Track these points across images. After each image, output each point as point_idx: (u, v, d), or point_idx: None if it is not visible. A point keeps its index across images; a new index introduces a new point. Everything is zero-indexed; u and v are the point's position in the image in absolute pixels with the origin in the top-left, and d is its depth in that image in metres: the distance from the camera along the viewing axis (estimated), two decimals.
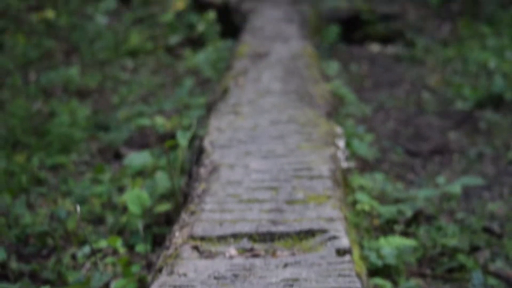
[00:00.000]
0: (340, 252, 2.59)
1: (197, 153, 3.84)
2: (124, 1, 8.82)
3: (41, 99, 6.29)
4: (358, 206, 3.77)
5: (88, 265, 3.45)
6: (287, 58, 5.63)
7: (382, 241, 3.48)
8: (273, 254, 2.62)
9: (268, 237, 2.73)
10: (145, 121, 5.45)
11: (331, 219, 2.84)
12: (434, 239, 3.73)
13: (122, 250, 3.45)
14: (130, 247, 3.65)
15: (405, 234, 3.84)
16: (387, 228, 3.86)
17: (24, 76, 6.85)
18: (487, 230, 4.00)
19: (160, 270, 2.56)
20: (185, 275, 2.47)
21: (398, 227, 3.85)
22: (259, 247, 2.68)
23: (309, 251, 2.62)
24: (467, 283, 3.41)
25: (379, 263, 3.34)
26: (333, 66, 6.63)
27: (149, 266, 3.43)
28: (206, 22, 7.55)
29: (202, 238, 2.73)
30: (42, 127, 5.54)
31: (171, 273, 2.49)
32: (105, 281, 3.00)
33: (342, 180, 3.59)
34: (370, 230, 3.73)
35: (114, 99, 6.29)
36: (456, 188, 4.20)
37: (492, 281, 3.44)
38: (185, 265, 2.54)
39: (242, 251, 2.65)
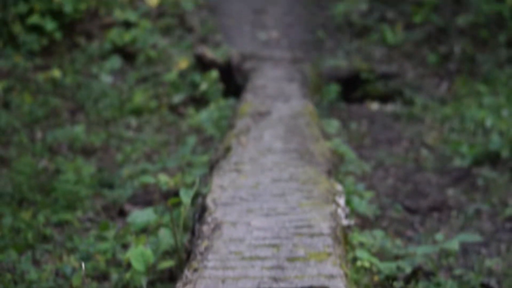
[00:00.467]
0: None
1: (200, 210, 3.89)
2: (129, 60, 8.93)
3: (47, 156, 6.37)
4: (358, 263, 3.81)
5: None
6: (288, 116, 5.70)
7: None
8: None
9: None
10: (148, 179, 5.49)
11: (331, 276, 2.88)
12: None
13: None
14: None
15: None
16: (386, 284, 3.90)
17: (30, 134, 6.93)
18: (485, 286, 4.03)
19: None
20: None
21: (398, 284, 3.88)
22: None
23: None
24: None
25: None
26: (333, 124, 6.70)
27: None
28: (209, 81, 7.62)
29: None
30: (48, 184, 5.61)
31: None
32: None
33: (343, 238, 3.63)
34: (370, 286, 3.76)
35: (118, 157, 6.36)
36: (454, 244, 4.24)
37: None
38: None
39: None
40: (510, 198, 5.48)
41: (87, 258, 4.23)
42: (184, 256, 3.70)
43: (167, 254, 3.98)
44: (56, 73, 8.19)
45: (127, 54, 8.95)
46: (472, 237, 4.46)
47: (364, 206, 4.69)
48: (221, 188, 4.03)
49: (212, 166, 4.88)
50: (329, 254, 3.10)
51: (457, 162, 6.22)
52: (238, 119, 5.71)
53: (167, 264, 3.79)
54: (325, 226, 3.41)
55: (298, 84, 6.94)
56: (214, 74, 7.68)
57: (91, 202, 5.31)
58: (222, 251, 3.17)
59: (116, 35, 8.98)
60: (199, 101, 7.72)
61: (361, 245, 4.11)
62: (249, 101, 6.20)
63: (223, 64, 7.81)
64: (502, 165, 6.04)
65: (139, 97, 7.64)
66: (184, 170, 5.88)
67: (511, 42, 9.36)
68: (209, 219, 3.59)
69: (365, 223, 4.89)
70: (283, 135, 5.16)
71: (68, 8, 8.89)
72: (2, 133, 6.85)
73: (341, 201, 4.05)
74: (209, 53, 7.91)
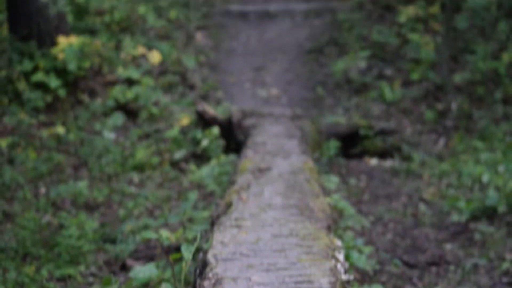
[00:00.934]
0: None
1: (201, 266, 3.94)
2: (131, 117, 9.02)
3: (51, 212, 6.42)
4: None
5: None
6: (288, 172, 5.76)
7: None
8: None
9: None
10: (150, 234, 5.54)
11: None
12: None
13: None
14: None
15: None
16: None
17: (34, 190, 6.99)
18: None
19: None
20: None
21: None
22: None
23: None
24: None
25: None
26: (333, 180, 6.75)
27: None
28: (210, 138, 7.69)
29: None
30: (51, 239, 5.66)
31: None
32: None
33: None
34: None
35: (120, 212, 6.41)
36: None
37: None
38: None
39: None
40: (507, 253, 5.52)
41: None
42: None
43: None
44: (60, 129, 8.27)
45: (130, 111, 9.05)
46: None
47: (363, 261, 4.73)
48: (222, 244, 4.08)
49: (213, 222, 4.93)
50: None
51: (455, 217, 6.27)
52: (239, 175, 5.76)
53: None
54: (324, 282, 3.46)
55: (298, 141, 7.00)
56: (215, 130, 7.75)
57: (93, 257, 5.35)
58: None
59: (119, 93, 9.09)
60: (201, 157, 7.78)
61: None
62: (250, 158, 6.26)
63: (224, 120, 7.88)
64: (498, 220, 6.09)
65: (141, 153, 7.71)
66: (185, 225, 5.93)
67: (507, 99, 9.46)
68: (210, 274, 3.63)
69: (364, 278, 4.93)
70: (283, 191, 5.21)
71: (72, 66, 9.01)
72: (7, 189, 6.92)
73: (341, 256, 4.10)
74: (210, 110, 7.99)
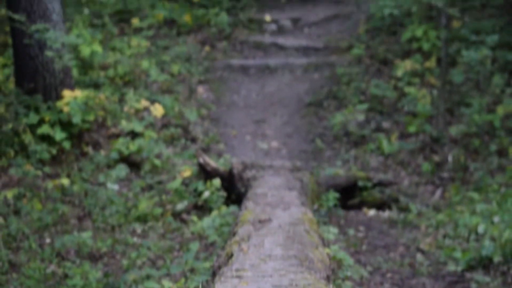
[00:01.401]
0: None
1: None
2: (134, 169, 9.12)
3: (56, 262, 6.50)
4: None
5: None
6: (288, 224, 5.83)
7: None
8: None
9: None
10: (153, 284, 5.62)
11: None
12: None
13: None
14: None
15: None
16: None
17: (39, 240, 7.07)
18: None
19: None
20: None
21: None
22: None
23: None
24: None
25: None
26: (332, 231, 6.83)
27: None
28: (211, 189, 7.76)
29: None
30: None
31: None
32: None
33: None
34: None
35: (124, 263, 6.49)
36: None
37: None
38: None
39: None
40: None
41: None
42: None
43: None
44: (65, 181, 8.36)
45: (133, 163, 9.15)
46: None
47: None
48: None
49: (214, 272, 5.00)
50: None
51: (451, 267, 6.34)
52: (240, 226, 5.82)
53: None
54: None
55: (298, 192, 7.07)
56: (217, 182, 7.82)
57: None
58: None
59: (122, 145, 9.19)
60: (202, 208, 7.86)
61: None
62: (250, 209, 6.33)
63: (225, 172, 7.96)
64: (494, 270, 6.15)
65: (144, 205, 7.78)
66: (187, 276, 6.00)
67: (501, 151, 9.56)
68: None
69: None
70: (283, 242, 5.28)
71: (76, 119, 9.13)
72: (13, 239, 7.00)
73: None
74: (212, 162, 8.09)
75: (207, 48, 13.57)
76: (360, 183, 8.44)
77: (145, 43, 12.17)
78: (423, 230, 7.50)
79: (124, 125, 9.64)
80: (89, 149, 9.30)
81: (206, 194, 7.79)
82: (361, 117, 10.74)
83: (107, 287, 5.93)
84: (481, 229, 7.03)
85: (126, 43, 11.95)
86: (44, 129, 9.05)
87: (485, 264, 6.24)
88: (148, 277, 6.01)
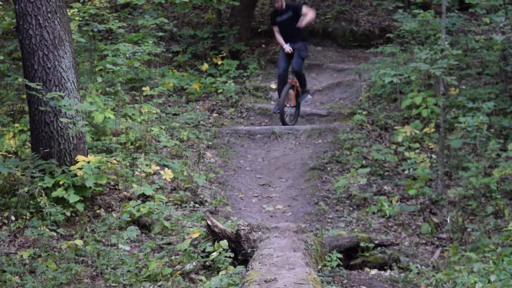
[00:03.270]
0: None
1: None
2: (145, 230, 9.21)
3: None
4: None
5: None
6: (293, 284, 5.87)
7: None
8: None
9: None
10: None
11: None
12: None
13: None
14: None
15: None
16: None
17: None
18: None
19: None
20: None
21: None
22: None
23: None
24: None
25: None
26: None
27: None
28: (219, 250, 7.84)
29: None
30: None
31: None
32: None
33: None
34: None
35: None
36: None
37: None
38: None
39: None
40: None
41: None
42: None
43: None
44: (78, 241, 8.45)
45: (144, 225, 9.26)
46: None
47: None
48: None
49: None
50: None
51: None
52: (246, 286, 5.88)
53: None
54: None
55: (302, 253, 7.09)
56: (224, 243, 7.88)
57: None
58: None
59: (133, 207, 9.31)
60: (210, 269, 7.91)
61: None
62: (256, 269, 6.38)
63: (232, 234, 8.02)
64: None
65: (154, 265, 7.84)
66: None
67: (498, 213, 9.66)
68: None
69: None
70: None
71: (89, 182, 9.27)
72: None
73: None
74: (220, 224, 8.17)
75: (214, 114, 13.79)
76: (362, 244, 8.51)
77: (156, 110, 12.37)
78: None
79: (135, 188, 9.77)
80: (102, 211, 9.42)
81: (214, 254, 7.86)
82: (363, 181, 10.85)
83: None
84: (478, 287, 7.10)
85: (137, 110, 12.15)
86: (59, 192, 9.18)
87: None
88: None
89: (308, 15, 12.77)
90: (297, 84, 13.13)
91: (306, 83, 13.29)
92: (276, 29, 13.03)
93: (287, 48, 12.84)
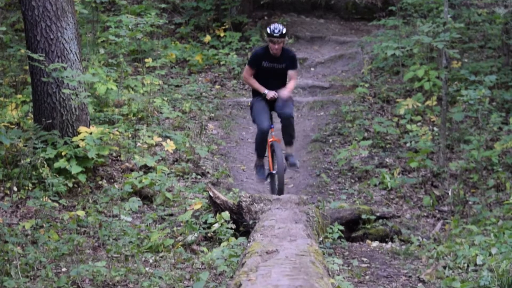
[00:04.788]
0: None
1: None
2: (147, 201, 9.17)
3: None
4: None
5: None
6: (294, 255, 5.83)
7: None
8: None
9: None
10: None
11: None
12: None
13: None
14: None
15: None
16: None
17: (56, 269, 7.12)
18: None
19: None
20: None
21: None
22: None
23: None
24: None
25: None
26: (336, 262, 6.87)
27: None
28: (220, 222, 7.80)
29: None
30: None
31: None
32: None
33: None
34: None
35: None
36: None
37: None
38: None
39: None
40: None
41: None
42: None
43: None
44: (80, 212, 8.41)
45: (145, 196, 9.21)
46: None
47: None
48: None
49: None
50: None
51: None
52: (248, 257, 5.83)
53: None
54: None
55: (304, 225, 7.06)
56: (226, 215, 7.84)
57: None
58: None
59: (135, 179, 9.26)
60: (212, 240, 7.88)
61: None
62: (258, 241, 6.34)
63: (234, 205, 7.98)
64: None
65: (156, 236, 7.81)
66: None
67: (499, 186, 9.61)
68: None
69: None
70: (290, 273, 5.28)
71: (91, 153, 9.20)
72: (30, 268, 7.05)
73: None
74: (221, 196, 8.12)
75: (217, 86, 13.70)
76: (364, 216, 8.47)
77: (158, 82, 12.28)
78: (424, 261, 7.53)
79: (137, 159, 9.71)
80: (104, 183, 9.37)
81: (216, 226, 7.82)
82: (365, 153, 10.80)
83: None
84: (479, 260, 7.06)
85: (140, 81, 12.07)
86: (61, 163, 9.12)
87: None
88: None
89: (292, 81, 9.09)
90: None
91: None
92: (251, 72, 9.06)
93: (271, 94, 8.94)
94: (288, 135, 9.12)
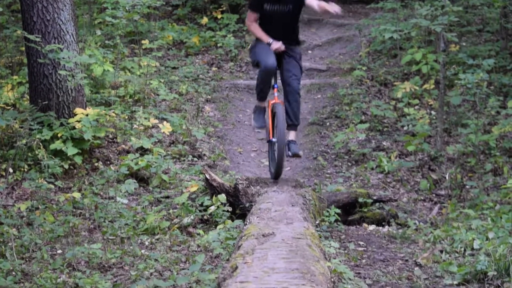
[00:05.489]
0: None
1: None
2: (143, 184, 9.13)
3: (66, 272, 6.51)
4: None
5: None
6: (291, 238, 5.82)
7: None
8: None
9: None
10: None
11: None
12: None
13: None
14: None
15: None
16: None
17: (51, 251, 7.09)
18: None
19: None
20: None
21: None
22: None
23: None
24: None
25: None
26: (333, 245, 6.84)
27: None
28: (217, 204, 7.76)
29: None
30: None
31: None
32: None
33: None
34: None
35: (132, 273, 6.49)
36: None
37: None
38: None
39: None
40: None
41: None
42: None
43: None
44: (76, 194, 8.38)
45: (142, 178, 9.17)
46: None
47: None
48: None
49: (219, 284, 4.99)
50: None
51: (447, 281, 6.33)
52: (244, 240, 5.81)
53: None
54: None
55: (300, 208, 7.05)
56: (222, 197, 7.81)
57: None
58: None
59: (131, 161, 9.22)
60: (208, 222, 7.86)
61: None
62: (254, 223, 6.32)
63: (231, 188, 7.95)
64: (488, 284, 6.14)
65: (152, 218, 7.79)
66: (193, 287, 6.00)
67: (496, 170, 9.58)
68: None
69: None
70: (286, 256, 5.27)
71: (88, 135, 9.16)
72: (25, 250, 7.02)
73: None
74: (218, 178, 8.09)
75: (214, 68, 13.62)
76: (361, 200, 8.44)
77: (155, 64, 12.22)
78: (420, 245, 7.50)
79: (134, 141, 9.67)
80: (100, 164, 9.33)
81: (212, 208, 7.78)
82: (362, 136, 10.75)
83: None
84: (476, 244, 7.03)
85: (137, 63, 12.01)
86: (57, 144, 9.08)
87: (480, 278, 6.23)
88: (155, 287, 6.00)
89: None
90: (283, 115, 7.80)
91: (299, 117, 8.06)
92: (254, 17, 7.83)
93: (277, 45, 7.72)
94: (292, 115, 7.81)
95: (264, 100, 8.02)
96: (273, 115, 7.80)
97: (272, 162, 7.99)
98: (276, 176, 7.93)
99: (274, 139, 7.80)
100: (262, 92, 7.92)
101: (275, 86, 7.83)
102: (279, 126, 7.57)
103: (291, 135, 7.92)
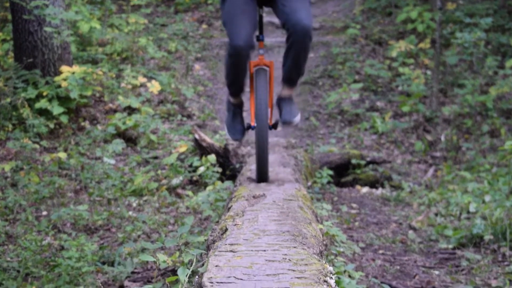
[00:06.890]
0: None
1: None
2: (130, 144, 9.04)
3: (52, 234, 6.43)
4: None
5: None
6: (282, 200, 5.77)
7: None
8: None
9: None
10: (148, 257, 5.52)
11: None
12: None
13: None
14: None
15: None
16: None
17: (36, 212, 7.00)
18: None
19: None
20: None
21: None
22: None
23: None
24: None
25: None
26: (325, 207, 6.78)
27: None
28: (206, 165, 7.70)
29: None
30: (52, 260, 5.66)
31: None
32: None
33: None
34: None
35: (119, 236, 6.42)
36: None
37: None
38: None
39: None
40: (493, 279, 5.54)
41: None
42: None
43: None
44: (62, 154, 8.28)
45: (129, 138, 9.08)
46: None
47: (354, 286, 4.75)
48: (217, 268, 4.08)
49: (208, 246, 4.93)
50: None
51: (443, 245, 6.29)
52: (234, 202, 5.77)
53: None
54: None
55: (292, 169, 7.01)
56: (212, 158, 7.75)
57: (92, 278, 5.35)
58: None
59: (119, 120, 9.12)
60: (197, 184, 7.80)
61: None
62: (245, 185, 6.28)
63: (220, 148, 7.89)
64: (484, 247, 6.10)
65: (140, 179, 7.71)
66: (182, 249, 5.93)
67: (493, 132, 9.52)
68: None
69: None
70: (277, 218, 5.22)
71: (74, 94, 9.04)
72: (10, 211, 6.93)
73: (332, 281, 4.10)
74: (207, 138, 8.01)
75: (204, 26, 13.46)
76: (354, 161, 8.38)
77: (143, 21, 12.06)
78: (415, 207, 7.45)
79: (121, 100, 9.56)
80: (86, 124, 9.23)
81: (201, 169, 7.71)
82: (355, 96, 10.67)
83: (103, 260, 5.86)
84: (472, 207, 6.99)
85: (124, 20, 11.84)
86: (42, 103, 8.96)
87: (476, 242, 6.19)
88: (143, 250, 5.94)
89: None
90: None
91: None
92: None
93: None
94: (295, 66, 5.22)
95: (240, 94, 5.52)
96: (255, 87, 5.24)
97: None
98: (260, 178, 5.73)
99: (254, 125, 5.38)
100: (235, 82, 5.24)
101: (261, 37, 5.15)
102: (259, 106, 5.20)
103: (286, 91, 5.65)
